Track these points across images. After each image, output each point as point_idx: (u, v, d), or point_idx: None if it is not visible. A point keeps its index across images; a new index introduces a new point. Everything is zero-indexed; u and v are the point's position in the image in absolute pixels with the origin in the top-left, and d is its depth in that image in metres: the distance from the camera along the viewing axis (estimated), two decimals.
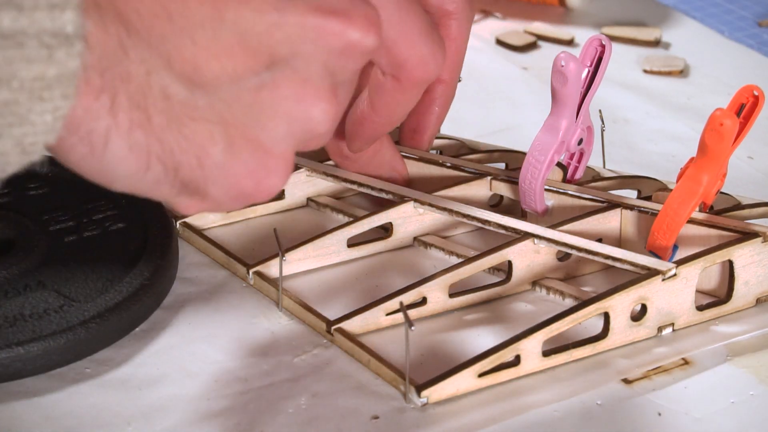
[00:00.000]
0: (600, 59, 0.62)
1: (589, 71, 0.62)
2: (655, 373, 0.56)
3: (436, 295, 0.59)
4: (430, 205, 0.64)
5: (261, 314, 0.60)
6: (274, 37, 0.44)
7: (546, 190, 0.63)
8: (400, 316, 0.57)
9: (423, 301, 0.59)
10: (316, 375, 0.56)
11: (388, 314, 0.58)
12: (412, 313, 0.59)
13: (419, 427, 0.53)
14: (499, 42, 0.91)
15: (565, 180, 0.64)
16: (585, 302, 0.56)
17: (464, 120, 0.68)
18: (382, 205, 0.65)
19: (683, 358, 0.57)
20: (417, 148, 0.67)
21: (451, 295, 0.60)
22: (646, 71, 0.86)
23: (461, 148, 0.71)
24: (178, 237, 0.65)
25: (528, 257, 0.61)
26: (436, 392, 0.54)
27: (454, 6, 0.63)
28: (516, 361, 0.55)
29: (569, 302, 0.60)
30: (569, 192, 0.63)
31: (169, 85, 0.43)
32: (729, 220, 0.60)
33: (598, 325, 0.57)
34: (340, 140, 0.63)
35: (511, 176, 0.65)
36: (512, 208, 0.67)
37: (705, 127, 0.57)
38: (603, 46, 0.62)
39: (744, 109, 0.59)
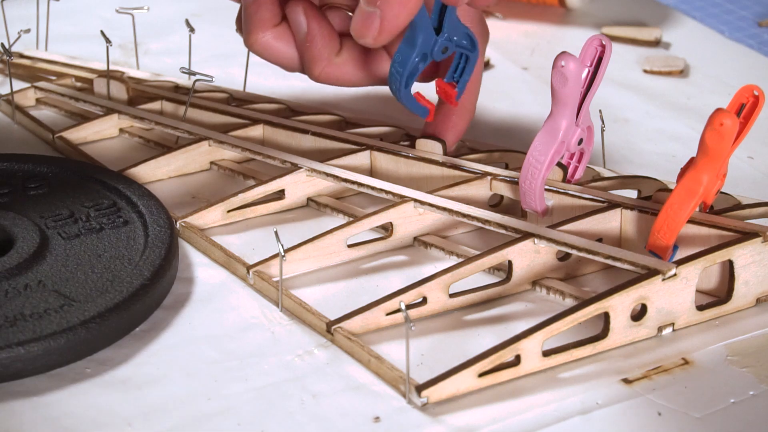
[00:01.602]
0: (600, 59, 0.62)
1: (589, 71, 0.62)
2: (655, 373, 0.56)
3: (436, 295, 0.59)
4: (430, 205, 0.64)
5: (261, 314, 0.60)
6: None
7: (546, 190, 0.63)
8: (400, 316, 0.57)
9: (423, 301, 0.59)
10: (316, 375, 0.56)
11: (388, 314, 0.58)
12: (412, 313, 0.59)
13: (419, 427, 0.53)
14: None
15: (565, 180, 0.64)
16: (585, 302, 0.56)
17: None
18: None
19: (683, 358, 0.57)
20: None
21: (451, 295, 0.60)
22: (646, 71, 0.86)
23: (461, 148, 0.71)
24: (178, 237, 0.65)
25: (528, 257, 0.61)
26: (436, 392, 0.54)
27: (470, 21, 0.66)
28: (516, 361, 0.55)
29: (569, 302, 0.60)
30: (569, 192, 0.63)
31: None
32: (729, 220, 0.60)
33: (598, 325, 0.57)
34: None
35: (511, 176, 0.65)
36: (512, 208, 0.67)
37: (705, 127, 0.57)
38: (603, 46, 0.62)
39: (744, 109, 0.59)
